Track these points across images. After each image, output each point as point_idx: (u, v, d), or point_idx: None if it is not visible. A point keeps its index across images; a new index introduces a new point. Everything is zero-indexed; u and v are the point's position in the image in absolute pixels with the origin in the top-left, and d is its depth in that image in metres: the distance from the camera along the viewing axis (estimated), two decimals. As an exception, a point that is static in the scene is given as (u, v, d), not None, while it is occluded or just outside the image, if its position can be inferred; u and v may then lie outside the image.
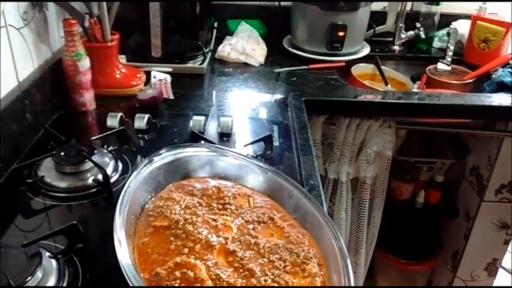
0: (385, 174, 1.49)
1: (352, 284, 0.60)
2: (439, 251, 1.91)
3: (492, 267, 1.77)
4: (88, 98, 1.17)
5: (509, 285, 2.15)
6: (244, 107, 1.30)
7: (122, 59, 1.36)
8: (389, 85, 1.63)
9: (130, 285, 0.54)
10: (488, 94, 1.43)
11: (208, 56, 1.53)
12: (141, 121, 1.10)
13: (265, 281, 0.62)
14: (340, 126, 1.38)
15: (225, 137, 1.09)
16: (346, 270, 0.62)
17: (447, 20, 1.83)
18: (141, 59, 1.42)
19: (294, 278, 0.63)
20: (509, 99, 1.36)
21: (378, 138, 1.39)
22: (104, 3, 1.18)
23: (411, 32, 1.82)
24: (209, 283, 0.59)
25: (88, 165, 0.89)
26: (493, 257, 1.74)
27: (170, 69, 1.39)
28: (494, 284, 1.83)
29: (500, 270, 1.84)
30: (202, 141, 0.97)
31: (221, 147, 0.88)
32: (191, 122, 1.09)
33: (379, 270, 1.99)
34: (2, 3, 0.94)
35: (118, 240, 0.59)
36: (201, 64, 1.47)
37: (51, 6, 1.17)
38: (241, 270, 0.63)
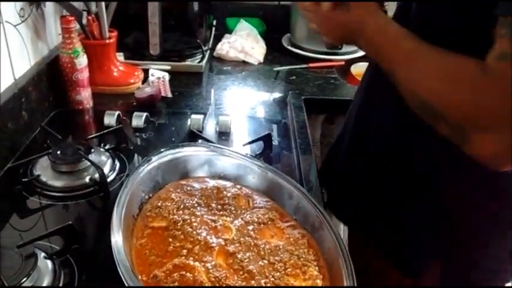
0: (384, 174, 1.48)
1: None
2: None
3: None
4: (85, 96, 1.15)
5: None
6: (243, 105, 1.28)
7: (120, 56, 1.35)
8: (388, 84, 1.62)
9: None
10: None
11: (207, 54, 1.51)
12: (138, 119, 1.08)
13: (266, 283, 0.60)
14: (339, 125, 1.37)
15: (224, 136, 1.08)
16: (348, 272, 0.61)
17: (447, 19, 1.82)
18: (139, 56, 1.40)
19: (295, 280, 0.62)
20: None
21: (377, 138, 1.38)
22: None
23: (411, 31, 1.80)
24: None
25: (85, 164, 0.88)
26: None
27: (168, 67, 1.38)
28: None
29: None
30: (201, 140, 0.96)
31: (220, 146, 0.87)
32: (189, 120, 1.08)
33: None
34: (-2, -1, 0.92)
35: (115, 241, 0.58)
36: (199, 62, 1.46)
37: (49, 2, 1.15)
38: (241, 273, 0.62)
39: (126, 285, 0.53)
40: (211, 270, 0.61)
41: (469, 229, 0.76)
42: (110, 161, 0.93)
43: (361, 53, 1.65)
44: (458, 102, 0.56)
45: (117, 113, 1.07)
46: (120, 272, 0.54)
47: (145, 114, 1.10)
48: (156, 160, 0.76)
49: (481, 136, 0.55)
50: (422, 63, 0.61)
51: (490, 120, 0.54)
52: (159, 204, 0.72)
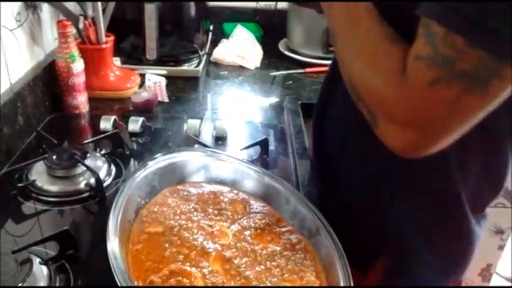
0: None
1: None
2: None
3: (486, 273, 1.76)
4: (81, 100, 1.15)
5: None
6: (239, 110, 1.28)
7: (116, 61, 1.35)
8: (385, 89, 1.62)
9: (124, 293, 0.53)
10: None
11: (204, 58, 1.52)
12: (135, 124, 1.08)
13: (263, 289, 0.60)
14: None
15: (220, 140, 1.08)
16: (345, 278, 0.60)
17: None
18: (136, 61, 1.40)
19: (292, 285, 0.62)
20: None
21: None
22: (99, 5, 1.17)
23: (407, 37, 1.81)
24: (205, 291, 0.58)
25: (80, 169, 0.88)
26: (488, 262, 1.74)
27: (165, 72, 1.37)
28: (489, 290, 1.83)
29: (495, 275, 1.83)
30: (197, 145, 0.96)
31: (217, 151, 0.87)
32: (186, 125, 1.08)
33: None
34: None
35: (111, 246, 0.57)
36: (196, 67, 1.46)
37: (45, 7, 1.15)
38: (237, 278, 0.61)
39: (122, 291, 0.53)
40: (207, 276, 0.60)
41: (412, 227, 0.78)
42: (106, 166, 0.92)
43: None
44: (374, 88, 0.57)
45: (113, 117, 1.07)
46: (116, 278, 0.54)
47: (141, 119, 1.10)
48: (153, 165, 0.75)
49: (388, 126, 0.57)
50: (360, 40, 0.61)
51: (396, 114, 0.55)
52: (156, 209, 0.71)
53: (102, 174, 0.88)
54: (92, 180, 0.86)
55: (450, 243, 0.80)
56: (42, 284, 0.64)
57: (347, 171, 0.83)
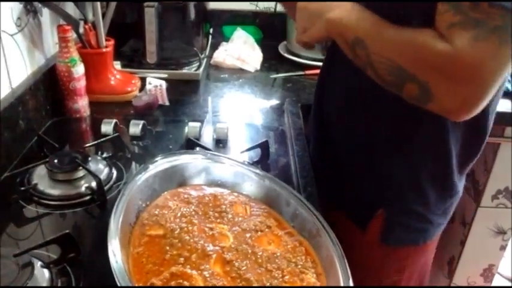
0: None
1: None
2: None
3: (488, 273, 1.76)
4: (82, 104, 1.15)
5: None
6: (240, 113, 1.29)
7: (117, 65, 1.35)
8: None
9: (125, 296, 0.53)
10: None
11: (204, 61, 1.52)
12: (136, 128, 1.08)
13: (263, 291, 0.61)
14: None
15: (221, 143, 1.08)
16: (346, 278, 0.61)
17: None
18: (136, 65, 1.41)
19: (293, 287, 0.62)
20: (507, 104, 1.36)
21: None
22: (99, 9, 1.18)
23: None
24: (206, 294, 0.58)
25: (82, 172, 0.88)
26: (489, 262, 1.74)
27: (165, 75, 1.38)
28: (491, 290, 1.83)
29: (497, 276, 1.83)
30: (198, 148, 0.96)
31: (217, 154, 0.87)
32: (186, 128, 1.08)
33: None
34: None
35: (112, 249, 0.58)
36: (196, 70, 1.47)
37: (46, 12, 1.16)
38: (238, 281, 0.62)
39: (123, 293, 0.53)
40: (208, 278, 0.61)
41: (408, 181, 0.90)
42: (107, 170, 0.92)
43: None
44: (427, 59, 0.65)
45: (114, 121, 1.07)
46: (117, 281, 0.54)
47: (142, 122, 1.10)
48: (153, 168, 0.76)
49: (445, 90, 0.64)
50: (391, 31, 0.70)
51: (451, 73, 0.62)
52: (156, 212, 0.71)
53: (103, 178, 0.89)
54: (93, 184, 0.86)
55: (439, 196, 0.92)
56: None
57: (349, 133, 0.94)
